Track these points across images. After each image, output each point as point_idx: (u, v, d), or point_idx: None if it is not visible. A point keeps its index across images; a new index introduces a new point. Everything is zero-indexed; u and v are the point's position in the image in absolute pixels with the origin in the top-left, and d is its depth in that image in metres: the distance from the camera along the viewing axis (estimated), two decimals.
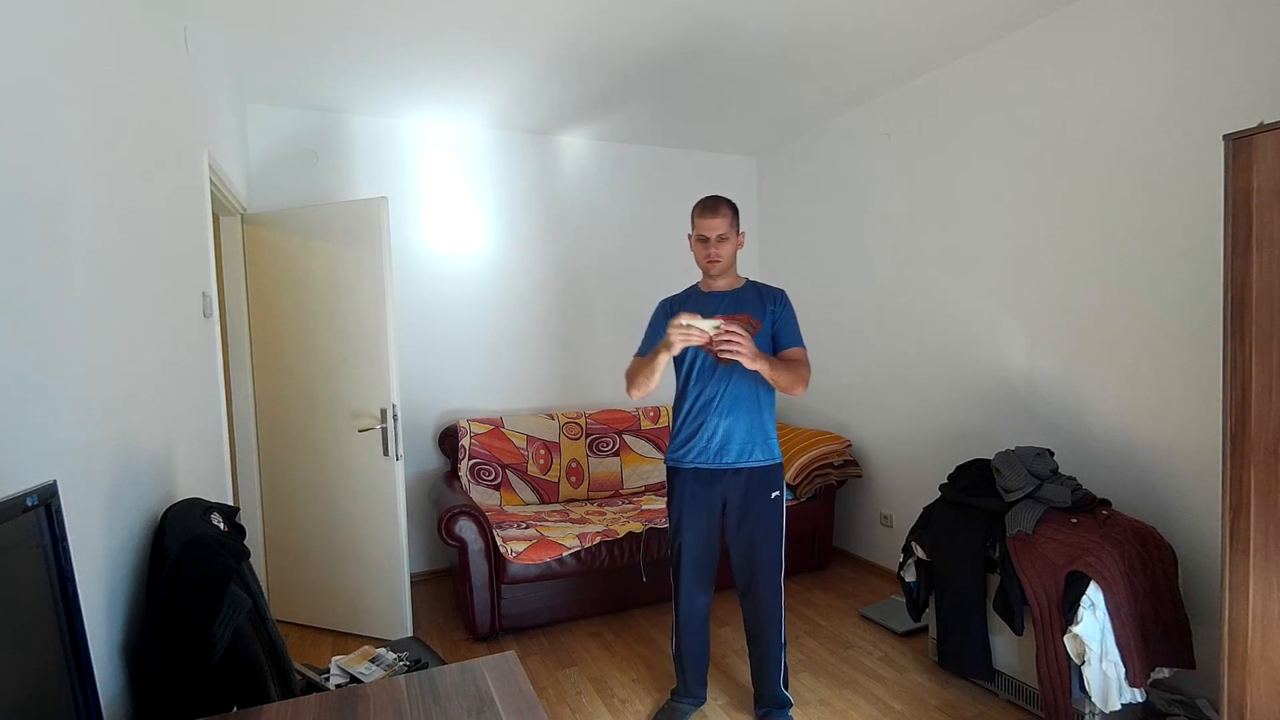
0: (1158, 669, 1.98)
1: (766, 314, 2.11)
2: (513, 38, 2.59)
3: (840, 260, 3.68)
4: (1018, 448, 2.34)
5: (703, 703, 2.29)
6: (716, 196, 2.11)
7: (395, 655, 1.70)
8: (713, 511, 2.13)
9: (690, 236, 2.16)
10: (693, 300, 2.18)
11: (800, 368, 2.04)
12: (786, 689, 2.20)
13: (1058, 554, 2.00)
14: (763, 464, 2.10)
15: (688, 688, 2.24)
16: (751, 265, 4.38)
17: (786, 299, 2.16)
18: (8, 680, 0.72)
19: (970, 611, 2.26)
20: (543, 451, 3.53)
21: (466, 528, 2.74)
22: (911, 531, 2.50)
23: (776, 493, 2.12)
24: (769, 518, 2.11)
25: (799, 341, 2.12)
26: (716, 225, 2.07)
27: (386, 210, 2.69)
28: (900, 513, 3.35)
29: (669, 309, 2.18)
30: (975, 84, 2.84)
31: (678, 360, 2.13)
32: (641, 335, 2.23)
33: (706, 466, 2.09)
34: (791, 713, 2.20)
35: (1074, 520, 2.08)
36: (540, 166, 3.81)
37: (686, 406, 2.13)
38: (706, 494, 2.11)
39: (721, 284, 2.17)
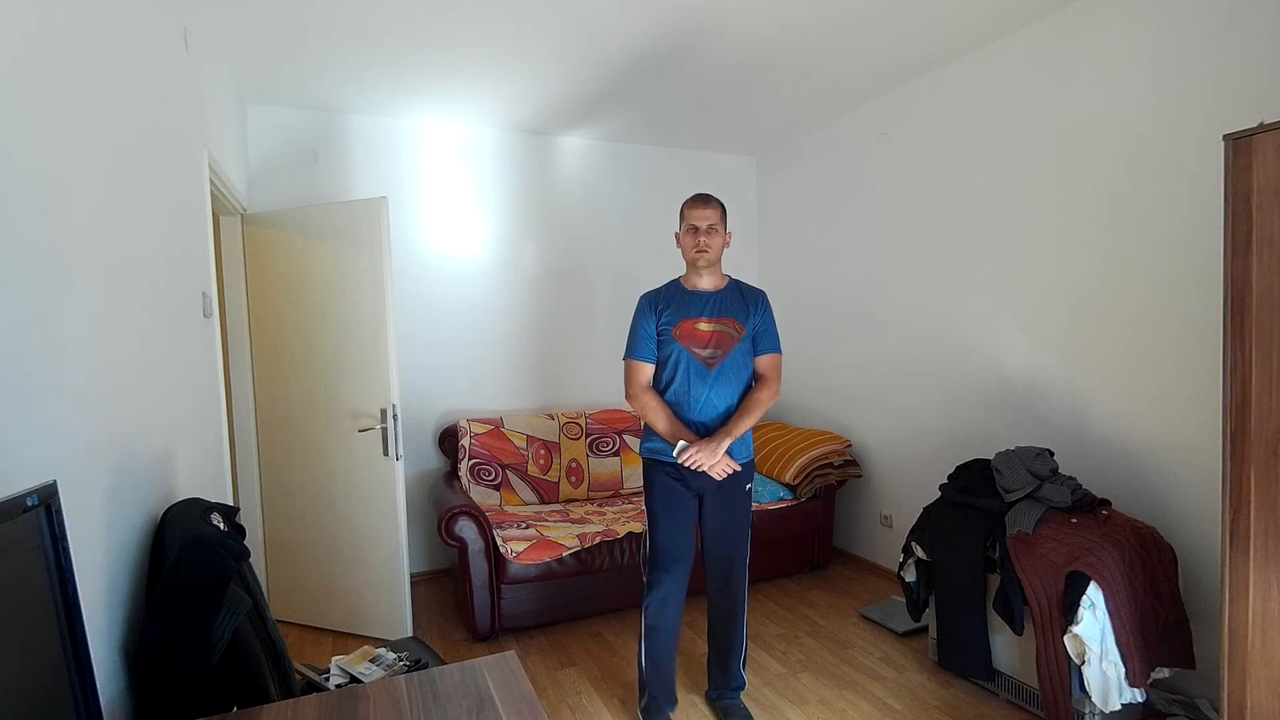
0: (1158, 669, 1.98)
1: (749, 318, 2.13)
2: (513, 39, 2.59)
3: (840, 260, 3.68)
4: (1018, 448, 2.34)
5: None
6: (708, 193, 2.14)
7: (395, 655, 1.70)
8: (691, 505, 2.12)
9: (678, 233, 2.16)
10: (676, 296, 2.14)
11: (762, 396, 2.10)
12: (745, 669, 2.28)
13: (1058, 554, 2.00)
14: (739, 461, 2.08)
15: (658, 707, 2.15)
16: (751, 265, 4.38)
17: (767, 302, 2.18)
18: (8, 680, 0.72)
19: (970, 611, 2.26)
20: (543, 451, 3.53)
21: (466, 528, 2.74)
22: (911, 531, 2.50)
23: (750, 484, 2.19)
24: (744, 509, 2.17)
25: (776, 347, 2.17)
26: (708, 215, 2.09)
27: (386, 210, 2.69)
28: (900, 513, 3.35)
29: (652, 305, 2.15)
30: (975, 84, 2.84)
31: (662, 356, 2.12)
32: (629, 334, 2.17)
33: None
34: (743, 696, 2.25)
35: (1074, 520, 2.08)
36: (540, 166, 3.81)
37: (669, 402, 2.10)
38: (685, 487, 2.10)
39: (706, 282, 2.15)
